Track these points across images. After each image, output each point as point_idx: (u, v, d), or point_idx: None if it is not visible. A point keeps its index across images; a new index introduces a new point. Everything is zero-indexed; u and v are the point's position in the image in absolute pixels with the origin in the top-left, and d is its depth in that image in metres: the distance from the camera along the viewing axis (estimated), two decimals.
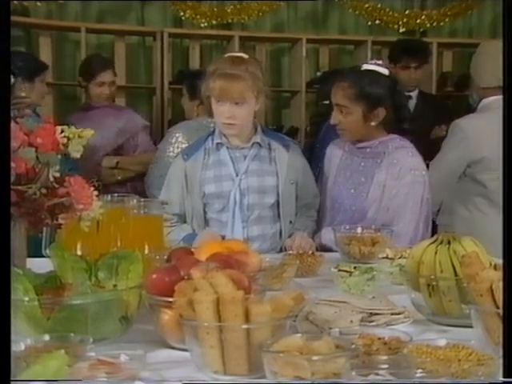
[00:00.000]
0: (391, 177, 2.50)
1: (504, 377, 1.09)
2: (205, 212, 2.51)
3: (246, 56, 2.50)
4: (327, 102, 3.01)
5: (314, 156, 3.50)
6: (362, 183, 2.56)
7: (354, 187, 2.58)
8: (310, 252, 2.18)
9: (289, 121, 5.53)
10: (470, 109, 3.22)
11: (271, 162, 2.52)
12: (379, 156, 2.55)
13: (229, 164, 2.49)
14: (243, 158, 2.50)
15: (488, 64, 2.98)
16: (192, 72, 4.34)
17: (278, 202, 2.51)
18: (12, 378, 1.05)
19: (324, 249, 2.41)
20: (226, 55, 2.56)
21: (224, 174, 2.49)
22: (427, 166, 2.93)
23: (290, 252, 2.20)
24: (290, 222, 2.55)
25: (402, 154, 2.53)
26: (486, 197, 2.93)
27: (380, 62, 2.61)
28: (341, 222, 2.53)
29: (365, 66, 2.60)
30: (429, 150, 3.24)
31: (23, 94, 2.62)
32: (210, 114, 3.57)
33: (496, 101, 2.85)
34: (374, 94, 2.49)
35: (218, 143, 2.51)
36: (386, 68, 2.60)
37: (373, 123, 2.53)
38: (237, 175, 2.48)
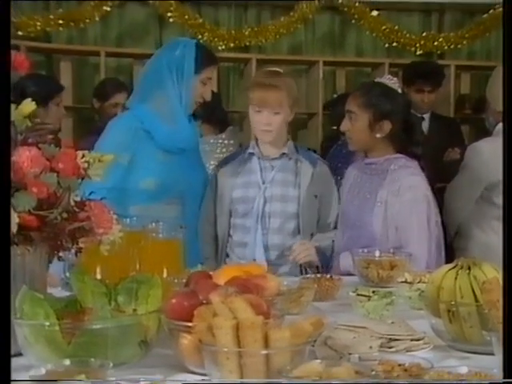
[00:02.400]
0: (391, 194, 2.51)
1: (504, 377, 1.08)
2: (230, 217, 2.64)
3: (281, 70, 2.70)
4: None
5: None
6: (366, 199, 2.58)
7: (360, 203, 2.60)
8: (328, 275, 2.17)
9: (305, 143, 5.54)
10: (488, 132, 3.22)
11: (295, 174, 2.63)
12: (383, 173, 2.57)
13: (257, 172, 2.64)
14: (271, 168, 2.64)
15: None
16: None
17: (298, 213, 2.60)
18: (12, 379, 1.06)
19: (342, 272, 2.40)
20: (264, 69, 2.90)
21: (252, 181, 2.63)
22: (443, 188, 2.91)
23: (308, 276, 2.20)
24: (312, 234, 2.61)
25: (403, 172, 2.54)
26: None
27: (394, 78, 2.65)
28: (349, 237, 2.56)
29: (378, 79, 2.68)
30: (442, 172, 3.23)
31: (38, 120, 2.66)
32: (216, 129, 3.66)
33: None
34: (380, 105, 2.55)
35: (250, 153, 2.67)
36: (399, 86, 2.64)
37: (378, 135, 2.56)
38: (263, 183, 2.62)
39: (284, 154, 2.64)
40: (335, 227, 2.67)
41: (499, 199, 2.92)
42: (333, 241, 2.64)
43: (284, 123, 2.61)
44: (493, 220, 2.96)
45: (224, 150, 3.54)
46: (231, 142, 3.60)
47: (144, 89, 2.61)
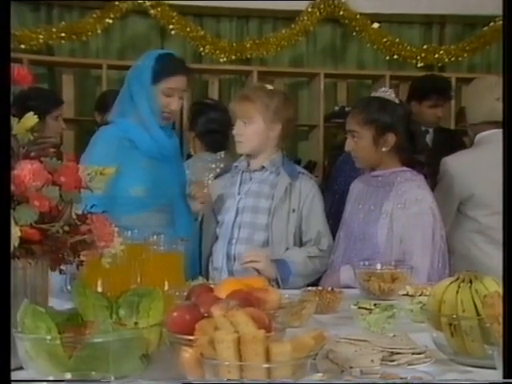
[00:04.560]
0: (397, 207, 2.52)
1: (504, 377, 1.07)
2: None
3: (270, 87, 2.72)
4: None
5: (328, 188, 3.51)
6: (371, 211, 2.58)
7: (364, 215, 2.60)
8: (330, 288, 2.17)
9: (306, 155, 5.55)
10: None
11: (272, 186, 2.65)
12: (389, 186, 2.58)
13: (237, 184, 2.69)
14: (249, 180, 2.69)
15: (474, 100, 3.01)
16: (196, 103, 4.41)
17: (268, 225, 2.60)
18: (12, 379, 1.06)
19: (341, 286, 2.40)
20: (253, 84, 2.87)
21: (230, 193, 2.69)
22: None
23: (310, 288, 2.20)
24: (287, 249, 2.61)
25: (410, 185, 2.55)
26: (482, 233, 2.92)
27: (390, 90, 2.66)
28: (352, 250, 2.57)
29: (374, 94, 2.68)
30: None
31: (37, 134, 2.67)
32: (207, 147, 3.70)
33: (488, 136, 2.88)
34: (381, 119, 2.55)
35: (235, 166, 2.74)
36: (395, 97, 2.65)
37: (384, 149, 2.56)
38: (238, 194, 2.67)
39: (263, 167, 2.67)
40: (315, 244, 2.64)
41: (474, 212, 2.94)
42: (309, 257, 2.60)
43: (259, 136, 2.61)
44: (471, 233, 2.97)
45: (218, 170, 3.52)
46: (220, 165, 3.57)
47: (121, 102, 2.63)
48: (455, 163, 2.98)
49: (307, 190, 2.66)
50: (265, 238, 2.60)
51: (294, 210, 2.62)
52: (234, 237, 2.61)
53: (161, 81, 2.53)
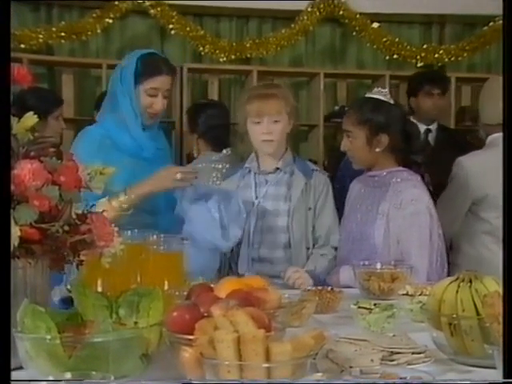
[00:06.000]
0: (394, 207, 2.52)
1: (504, 377, 1.07)
2: None
3: (276, 83, 2.75)
4: None
5: (333, 187, 3.50)
6: (368, 212, 2.59)
7: (361, 216, 2.61)
8: (329, 288, 2.17)
9: (306, 154, 5.55)
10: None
11: (288, 187, 2.65)
12: (385, 186, 2.58)
13: (252, 188, 2.67)
14: (265, 183, 2.68)
15: (490, 101, 3.00)
16: (192, 105, 4.40)
17: (288, 227, 2.61)
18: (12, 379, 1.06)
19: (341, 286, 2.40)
20: (260, 83, 2.78)
21: (246, 196, 2.64)
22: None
23: (309, 288, 2.20)
24: (308, 248, 2.63)
25: (406, 185, 2.55)
26: (492, 234, 2.91)
27: (385, 89, 2.66)
28: (350, 251, 2.57)
29: (368, 94, 2.68)
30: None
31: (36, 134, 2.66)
32: (213, 147, 3.66)
33: (501, 137, 2.85)
34: (375, 119, 2.55)
35: (246, 167, 2.72)
36: (390, 98, 2.64)
37: (377, 149, 2.57)
38: (256, 198, 2.65)
39: (278, 168, 2.67)
40: (327, 242, 2.66)
41: (486, 213, 2.92)
42: (329, 260, 2.63)
43: (284, 133, 2.63)
44: (482, 234, 2.96)
45: (224, 170, 3.50)
46: (226, 166, 3.55)
47: (106, 102, 2.64)
48: (469, 163, 2.97)
49: (321, 186, 2.69)
50: (286, 239, 2.62)
51: (309, 209, 2.64)
52: (256, 241, 2.61)
53: (144, 81, 2.52)
